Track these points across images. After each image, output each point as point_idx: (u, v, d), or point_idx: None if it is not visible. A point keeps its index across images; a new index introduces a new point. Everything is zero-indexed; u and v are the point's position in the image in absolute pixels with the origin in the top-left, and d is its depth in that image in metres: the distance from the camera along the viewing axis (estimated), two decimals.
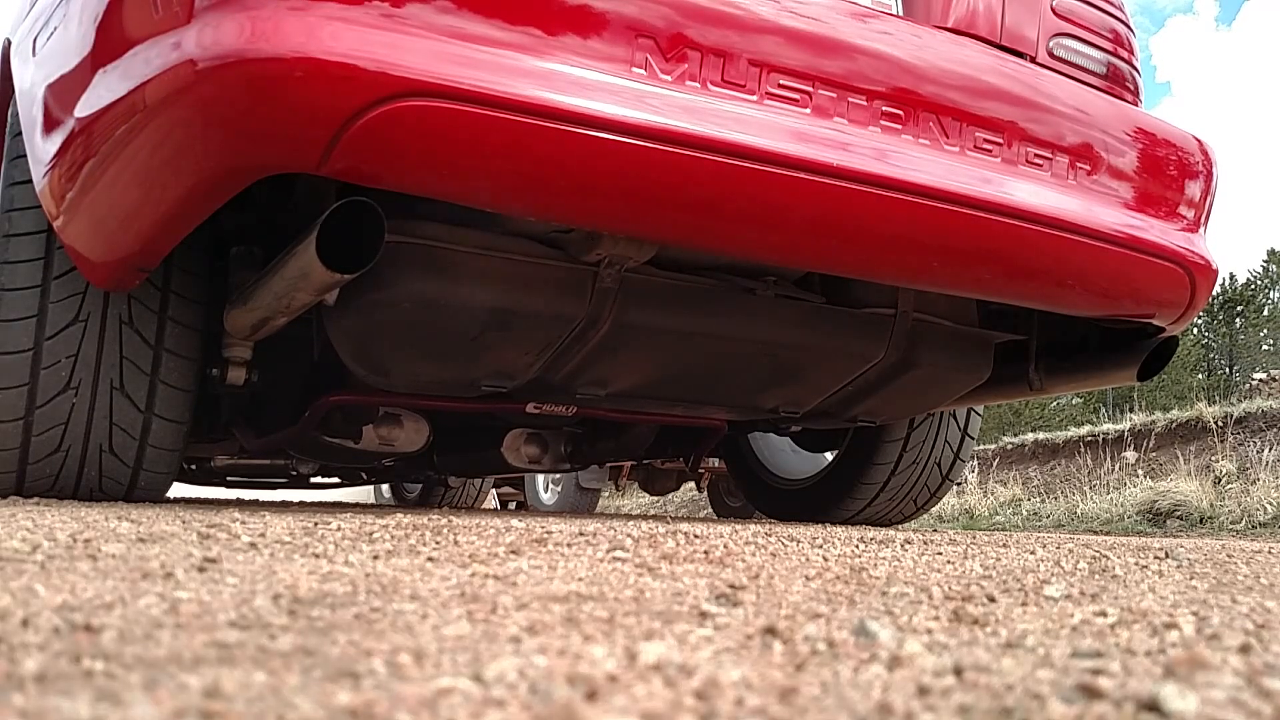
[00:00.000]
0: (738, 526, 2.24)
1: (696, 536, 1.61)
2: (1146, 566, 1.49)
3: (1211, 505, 8.87)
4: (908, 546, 1.73)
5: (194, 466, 4.26)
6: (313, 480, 4.76)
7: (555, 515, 2.91)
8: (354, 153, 1.46)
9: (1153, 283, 2.11)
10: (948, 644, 0.67)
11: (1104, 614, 0.87)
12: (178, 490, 4.88)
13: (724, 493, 6.47)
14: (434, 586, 0.85)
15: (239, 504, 2.98)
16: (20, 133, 1.99)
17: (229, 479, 4.78)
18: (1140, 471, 10.35)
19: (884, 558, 1.40)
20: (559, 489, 6.71)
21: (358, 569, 0.96)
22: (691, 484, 6.43)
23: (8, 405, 1.94)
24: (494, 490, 8.01)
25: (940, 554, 1.56)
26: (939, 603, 0.91)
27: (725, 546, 1.41)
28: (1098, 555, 1.71)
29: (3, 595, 0.67)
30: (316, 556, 1.07)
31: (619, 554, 1.20)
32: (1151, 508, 9.23)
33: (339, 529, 1.43)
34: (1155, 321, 2.23)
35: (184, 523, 1.45)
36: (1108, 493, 9.99)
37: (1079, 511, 9.75)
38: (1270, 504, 8.40)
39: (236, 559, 1.00)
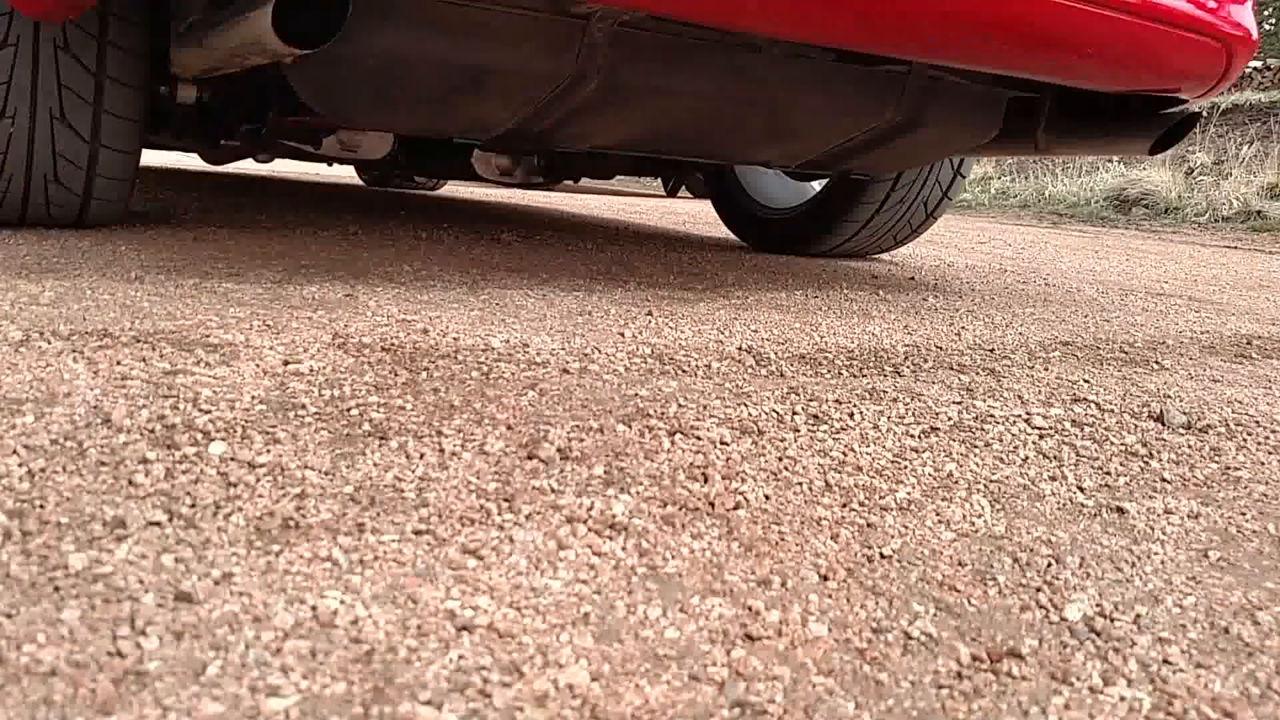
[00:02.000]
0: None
1: None
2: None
3: (1180, 197, 8.90)
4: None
5: None
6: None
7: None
8: None
9: (1185, 57, 1.91)
10: None
11: None
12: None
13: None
14: None
15: None
16: None
17: None
18: (1115, 158, 10.27)
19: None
20: None
21: None
22: None
23: None
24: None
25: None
26: None
27: None
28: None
29: None
30: None
31: None
32: (1120, 194, 9.26)
33: None
34: (1180, 94, 2.07)
35: None
36: (1079, 176, 9.95)
37: (1047, 194, 9.76)
38: (1237, 199, 8.44)
39: None
